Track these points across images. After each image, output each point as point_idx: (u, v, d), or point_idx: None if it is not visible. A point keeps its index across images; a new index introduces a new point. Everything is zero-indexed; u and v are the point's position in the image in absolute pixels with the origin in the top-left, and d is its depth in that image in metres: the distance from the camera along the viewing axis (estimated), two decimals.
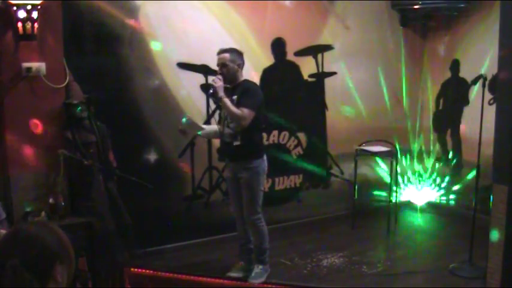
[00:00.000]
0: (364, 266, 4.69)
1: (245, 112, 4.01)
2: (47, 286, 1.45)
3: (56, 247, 1.50)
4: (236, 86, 4.16)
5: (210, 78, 4.96)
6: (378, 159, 6.02)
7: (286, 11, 5.33)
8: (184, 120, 4.20)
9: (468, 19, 5.77)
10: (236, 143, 4.13)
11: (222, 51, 4.15)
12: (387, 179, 5.78)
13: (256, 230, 4.32)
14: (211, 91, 4.07)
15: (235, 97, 4.11)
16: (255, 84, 4.26)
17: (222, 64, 4.11)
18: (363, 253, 4.96)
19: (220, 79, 4.04)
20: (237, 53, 4.17)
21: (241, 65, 4.18)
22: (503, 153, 3.79)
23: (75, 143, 4.00)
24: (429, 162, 6.38)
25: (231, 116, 4.07)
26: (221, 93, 4.01)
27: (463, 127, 5.95)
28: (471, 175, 5.54)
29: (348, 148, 5.83)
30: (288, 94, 5.45)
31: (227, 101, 4.02)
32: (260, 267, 4.37)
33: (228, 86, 4.13)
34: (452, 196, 6.14)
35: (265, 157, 4.26)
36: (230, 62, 4.10)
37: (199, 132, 4.29)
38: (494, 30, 4.05)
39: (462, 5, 5.60)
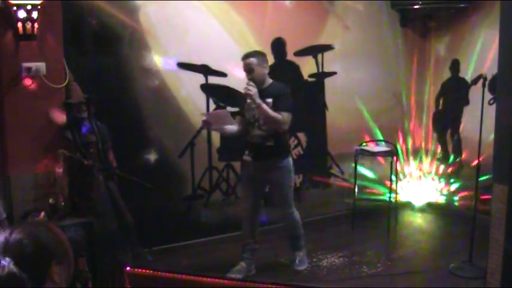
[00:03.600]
0: (364, 266, 4.69)
1: (285, 116, 4.12)
2: (44, 286, 1.44)
3: (53, 247, 1.47)
4: (265, 89, 4.18)
5: (211, 79, 4.99)
6: (378, 159, 6.01)
7: (286, 11, 5.33)
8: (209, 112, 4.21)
9: (468, 19, 5.77)
10: (269, 143, 4.19)
11: (247, 56, 4.17)
12: (387, 179, 5.78)
13: (292, 221, 4.45)
14: (248, 100, 4.07)
15: (269, 100, 4.12)
16: (286, 86, 4.31)
17: (249, 69, 4.13)
18: (363, 253, 4.96)
19: (253, 86, 4.05)
20: (262, 56, 4.21)
21: (267, 67, 4.22)
22: (503, 153, 3.79)
23: (75, 143, 4.00)
24: (429, 162, 6.38)
25: (271, 121, 4.10)
26: (258, 100, 4.04)
27: (463, 127, 5.95)
28: (471, 175, 5.53)
29: (348, 148, 5.83)
30: None
31: (266, 106, 4.06)
32: (301, 253, 4.55)
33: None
34: (452, 196, 6.14)
35: (291, 154, 4.42)
36: (257, 66, 4.13)
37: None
38: (494, 30, 4.05)
39: (462, 5, 5.60)
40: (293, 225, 4.50)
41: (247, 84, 4.07)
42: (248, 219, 4.43)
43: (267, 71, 4.22)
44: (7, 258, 1.39)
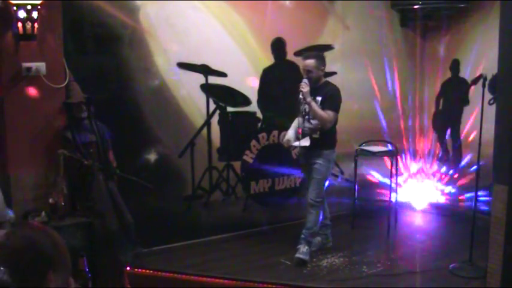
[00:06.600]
0: (364, 266, 4.69)
1: (330, 115, 4.53)
2: None
3: (51, 255, 1.44)
4: (319, 87, 4.58)
5: (211, 79, 4.99)
6: (378, 159, 6.01)
7: (286, 11, 5.33)
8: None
9: (468, 19, 5.77)
10: (315, 136, 4.58)
11: (307, 57, 4.58)
12: (387, 179, 5.78)
13: (313, 211, 4.71)
14: (300, 96, 4.44)
15: (319, 98, 4.53)
16: (337, 88, 4.67)
17: (308, 70, 4.53)
18: (363, 253, 4.96)
19: (307, 84, 4.45)
20: (320, 59, 4.59)
21: (323, 69, 4.62)
22: (503, 153, 3.79)
23: (75, 143, 4.00)
24: (429, 162, 6.38)
25: (317, 118, 4.51)
26: (309, 98, 4.45)
27: (463, 127, 5.95)
28: (471, 175, 5.53)
29: (348, 148, 5.83)
30: (288, 94, 5.43)
31: (315, 105, 4.47)
32: (306, 247, 4.72)
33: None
34: (451, 196, 6.14)
35: (335, 148, 4.75)
36: (315, 69, 4.53)
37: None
38: (494, 30, 4.05)
39: (462, 5, 5.61)
40: (312, 216, 4.70)
41: (303, 81, 4.45)
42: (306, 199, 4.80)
43: (323, 72, 4.60)
44: (1, 268, 1.36)
